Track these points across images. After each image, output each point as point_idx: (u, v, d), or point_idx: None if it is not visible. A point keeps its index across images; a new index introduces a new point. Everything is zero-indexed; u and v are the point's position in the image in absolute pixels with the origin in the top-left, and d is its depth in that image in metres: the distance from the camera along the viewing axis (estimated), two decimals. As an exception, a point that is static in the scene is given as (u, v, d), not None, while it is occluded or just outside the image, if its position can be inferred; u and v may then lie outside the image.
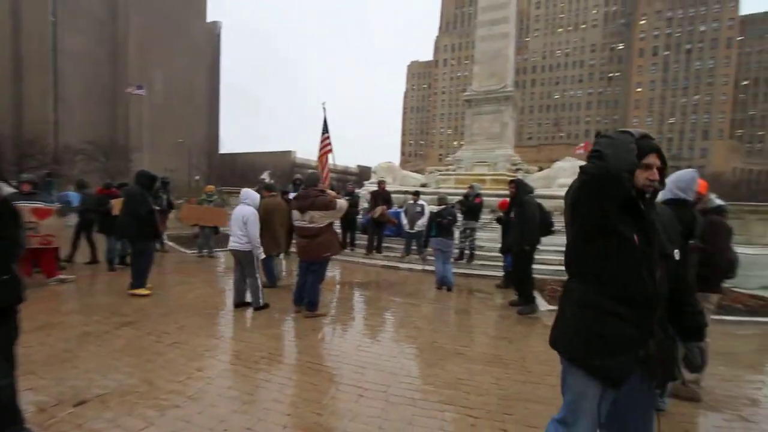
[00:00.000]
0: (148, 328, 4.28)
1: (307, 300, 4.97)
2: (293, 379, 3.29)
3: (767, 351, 4.68)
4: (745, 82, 77.39)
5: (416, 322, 5.02)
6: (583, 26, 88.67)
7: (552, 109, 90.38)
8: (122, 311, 4.83)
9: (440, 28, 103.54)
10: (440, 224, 6.69)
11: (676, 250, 1.58)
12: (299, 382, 3.25)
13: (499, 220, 7.32)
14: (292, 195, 10.22)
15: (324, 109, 9.80)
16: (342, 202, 5.06)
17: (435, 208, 7.45)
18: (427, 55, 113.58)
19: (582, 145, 39.58)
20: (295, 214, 4.90)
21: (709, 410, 3.04)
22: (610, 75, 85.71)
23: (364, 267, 8.67)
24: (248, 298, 5.20)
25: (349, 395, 3.02)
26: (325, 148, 9.85)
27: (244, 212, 5.10)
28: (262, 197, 6.78)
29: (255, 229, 5.11)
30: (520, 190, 5.92)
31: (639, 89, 79.67)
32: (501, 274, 7.41)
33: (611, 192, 1.47)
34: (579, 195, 1.58)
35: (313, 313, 4.94)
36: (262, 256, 5.36)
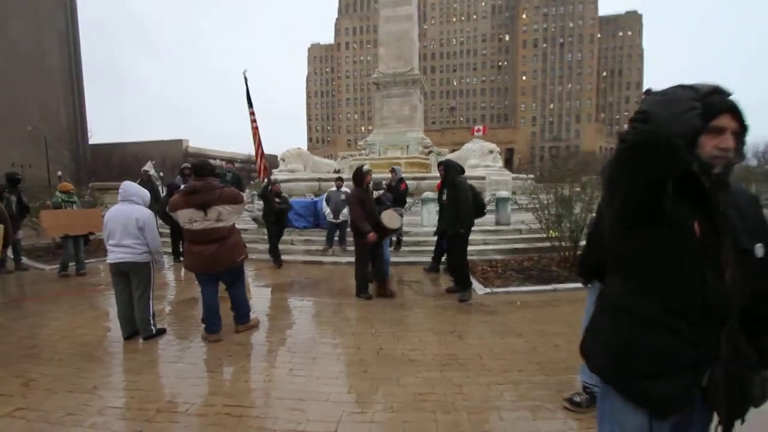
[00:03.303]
0: (-28, 392, 2.94)
1: (236, 313, 4.18)
2: (206, 437, 2.42)
3: None
4: (604, 74, 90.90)
5: (353, 326, 4.39)
6: (474, 17, 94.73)
7: (451, 95, 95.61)
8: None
9: (339, 10, 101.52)
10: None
11: (759, 245, 1.16)
12: (215, 439, 2.39)
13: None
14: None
15: (245, 78, 8.00)
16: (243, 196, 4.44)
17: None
18: (328, 38, 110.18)
19: (479, 127, 42.06)
20: (189, 213, 3.77)
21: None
22: (500, 64, 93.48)
23: (280, 263, 7.70)
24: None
25: (287, 448, 2.28)
26: (254, 123, 8.21)
27: (138, 214, 3.98)
28: None
29: (155, 235, 4.06)
30: (449, 172, 5.56)
31: (524, 77, 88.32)
32: (428, 259, 7.10)
33: (660, 164, 1.07)
34: (616, 169, 1.19)
35: (246, 326, 4.19)
36: (166, 265, 4.26)
